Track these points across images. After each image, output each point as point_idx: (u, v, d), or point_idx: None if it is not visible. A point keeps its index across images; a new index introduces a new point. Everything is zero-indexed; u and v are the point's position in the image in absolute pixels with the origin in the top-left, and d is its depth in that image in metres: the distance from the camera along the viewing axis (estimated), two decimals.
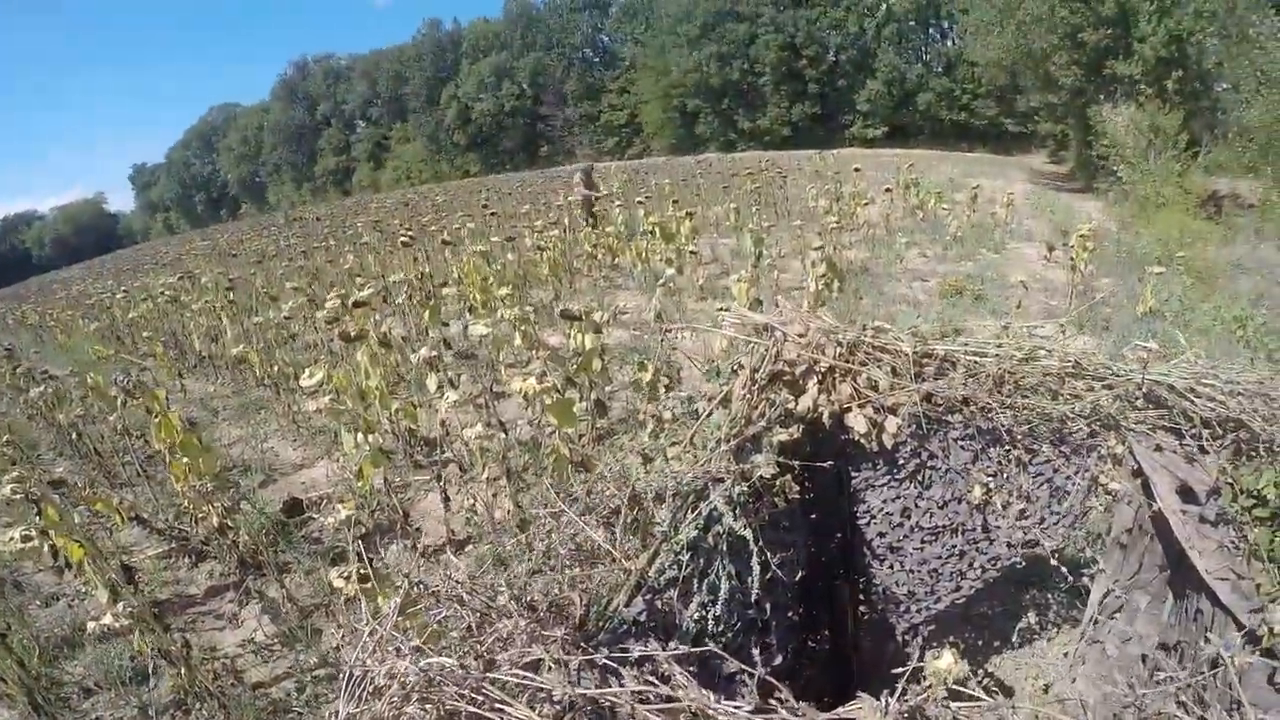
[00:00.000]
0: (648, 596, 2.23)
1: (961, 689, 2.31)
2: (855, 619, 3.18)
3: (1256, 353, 8.69)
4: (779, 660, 2.50)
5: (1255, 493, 2.52)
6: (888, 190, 14.69)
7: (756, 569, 2.22)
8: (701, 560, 2.28)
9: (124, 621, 3.44)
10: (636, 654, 1.88)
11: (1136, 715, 2.58)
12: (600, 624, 2.20)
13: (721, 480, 2.24)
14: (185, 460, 4.95)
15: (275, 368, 8.20)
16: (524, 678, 1.71)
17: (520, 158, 65.94)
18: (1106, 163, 21.31)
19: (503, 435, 5.69)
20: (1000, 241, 13.31)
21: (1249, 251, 14.94)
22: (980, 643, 3.86)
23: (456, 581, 2.19)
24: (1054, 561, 3.26)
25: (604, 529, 2.42)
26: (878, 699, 1.82)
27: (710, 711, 1.67)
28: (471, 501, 5.26)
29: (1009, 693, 3.75)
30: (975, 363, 2.52)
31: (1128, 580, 3.16)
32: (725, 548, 2.28)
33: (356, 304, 6.10)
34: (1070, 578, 3.75)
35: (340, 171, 77.61)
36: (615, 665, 1.91)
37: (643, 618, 2.20)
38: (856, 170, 16.82)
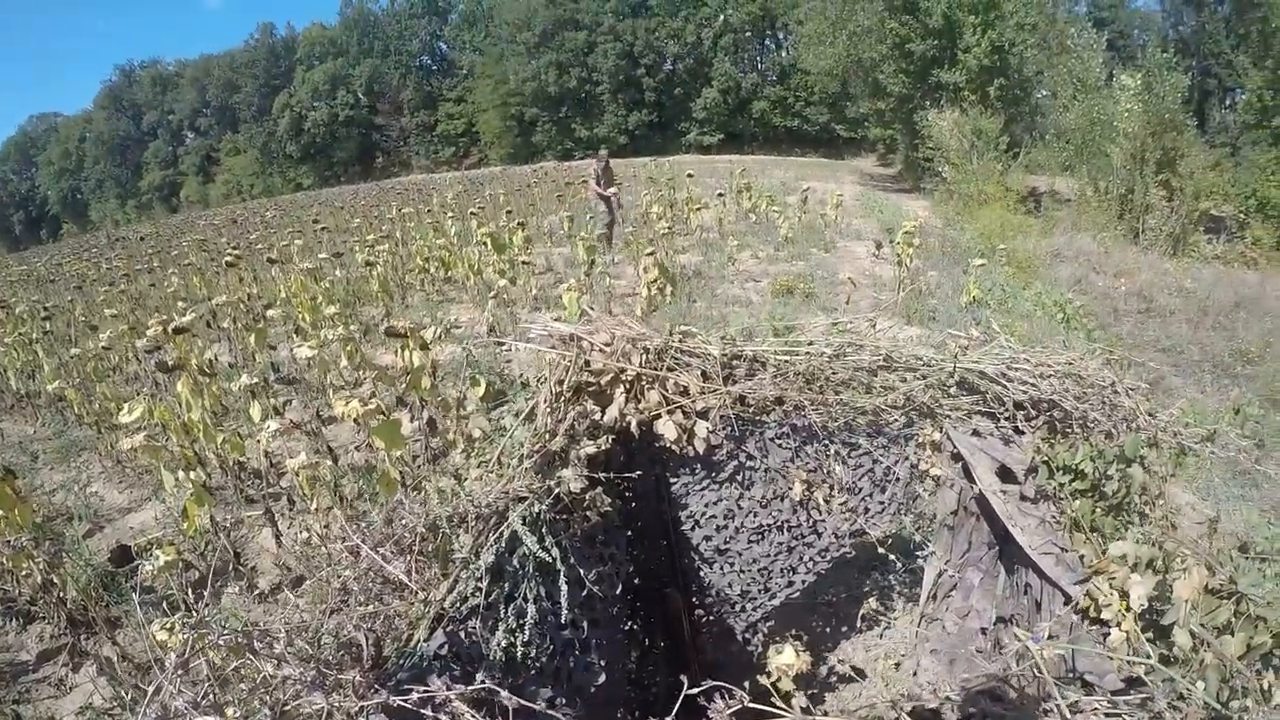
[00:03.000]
0: (449, 628, 2.07)
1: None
2: (692, 623, 3.13)
3: (1077, 333, 9.45)
4: (602, 679, 2.39)
5: (1072, 468, 2.61)
6: (720, 195, 15.02)
7: (564, 589, 2.10)
8: (507, 584, 2.14)
9: None
10: (420, 694, 1.72)
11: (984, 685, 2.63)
12: (401, 662, 2.03)
13: (523, 499, 2.11)
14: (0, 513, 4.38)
15: (96, 404, 7.44)
16: None
17: (355, 169, 63.90)
18: (932, 164, 22.83)
19: (330, 462, 5.35)
20: (830, 241, 13.80)
21: (1067, 242, 16.30)
22: (829, 630, 3.92)
23: (248, 629, 1.98)
24: (881, 550, 3.34)
25: (406, 559, 2.25)
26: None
27: None
28: (306, 535, 4.91)
29: (861, 675, 3.82)
30: (785, 362, 2.51)
31: (959, 559, 3.27)
32: (532, 569, 2.15)
33: (177, 330, 5.62)
34: (899, 562, 3.88)
35: (167, 186, 72.72)
36: (412, 708, 1.75)
37: (444, 651, 2.04)
38: (690, 176, 17.13)
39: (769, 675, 2.56)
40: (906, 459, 2.85)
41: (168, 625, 3.17)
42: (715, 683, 1.51)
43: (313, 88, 64.02)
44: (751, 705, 1.46)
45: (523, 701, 1.70)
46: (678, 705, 1.58)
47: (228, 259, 11.31)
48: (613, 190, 12.96)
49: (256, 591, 4.81)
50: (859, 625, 3.91)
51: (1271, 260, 18.90)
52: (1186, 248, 18.65)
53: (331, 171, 64.35)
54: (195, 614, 2.74)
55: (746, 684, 3.13)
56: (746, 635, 3.15)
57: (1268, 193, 20.86)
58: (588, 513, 2.31)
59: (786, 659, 2.56)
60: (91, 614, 4.47)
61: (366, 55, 64.69)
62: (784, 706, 2.47)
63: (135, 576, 5.07)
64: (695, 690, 1.55)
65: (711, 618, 3.11)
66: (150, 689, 1.68)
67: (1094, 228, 18.22)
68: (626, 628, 3.11)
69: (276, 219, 26.83)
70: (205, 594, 4.79)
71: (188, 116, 72.70)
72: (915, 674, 3.42)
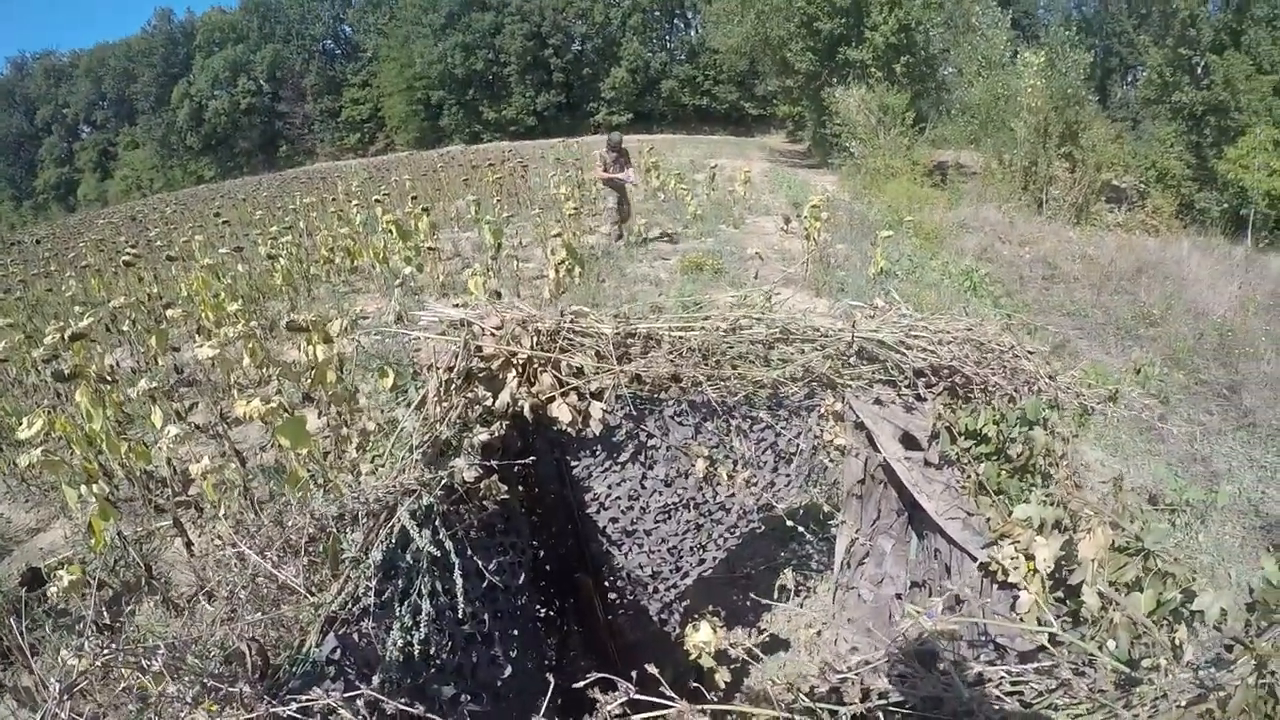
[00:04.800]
0: (341, 631, 1.99)
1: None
2: (605, 606, 3.10)
3: (984, 300, 9.72)
4: (508, 672, 2.33)
5: (975, 432, 2.64)
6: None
7: (459, 582, 2.04)
8: (401, 581, 2.07)
9: None
10: (302, 702, 1.64)
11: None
12: (293, 670, 1.94)
13: (412, 492, 2.03)
14: None
15: None
16: None
17: (258, 159, 61.58)
18: (840, 140, 23.12)
19: (236, 464, 5.14)
20: (739, 218, 13.86)
21: (973, 213, 16.74)
22: (749, 603, 3.94)
23: (128, 646, 1.89)
24: (790, 523, 3.35)
25: (296, 561, 2.16)
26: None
27: None
28: (217, 542, 4.72)
29: (784, 645, 3.86)
30: (680, 338, 2.47)
31: (870, 528, 3.30)
32: (426, 564, 2.07)
33: (74, 337, 5.31)
34: (811, 533, 3.91)
35: (63, 185, 68.85)
36: (300, 717, 1.67)
37: (336, 655, 1.95)
38: (596, 155, 17.04)
39: (689, 654, 2.55)
40: (810, 430, 2.85)
41: (75, 648, 3.01)
42: (600, 675, 1.47)
43: (213, 75, 61.51)
44: (637, 697, 1.42)
45: (403, 707, 1.63)
46: (546, 700, 1.54)
47: (125, 258, 10.78)
48: (629, 173, 11.71)
49: (171, 604, 4.60)
50: (778, 596, 3.94)
51: (1171, 227, 19.80)
52: (1089, 217, 19.40)
53: (234, 162, 61.95)
54: (106, 634, 2.59)
55: (669, 663, 3.13)
56: (663, 615, 3.14)
57: (1167, 164, 21.84)
58: (484, 502, 2.25)
59: (704, 636, 2.55)
60: (6, 643, 4.21)
61: (268, 40, 62.41)
62: (700, 686, 2.46)
63: (47, 600, 4.83)
64: (579, 685, 1.51)
65: (626, 600, 3.08)
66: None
67: (999, 199, 18.77)
68: (542, 615, 3.06)
69: (177, 214, 25.70)
70: (108, 612, 4.62)
71: (83, 110, 68.98)
72: (836, 642, 3.46)
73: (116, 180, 65.63)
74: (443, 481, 2.11)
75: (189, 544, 4.73)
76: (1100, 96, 30.61)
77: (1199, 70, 22.04)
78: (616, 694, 1.45)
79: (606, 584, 3.03)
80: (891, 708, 1.61)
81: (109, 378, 5.81)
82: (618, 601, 3.09)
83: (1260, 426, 7.89)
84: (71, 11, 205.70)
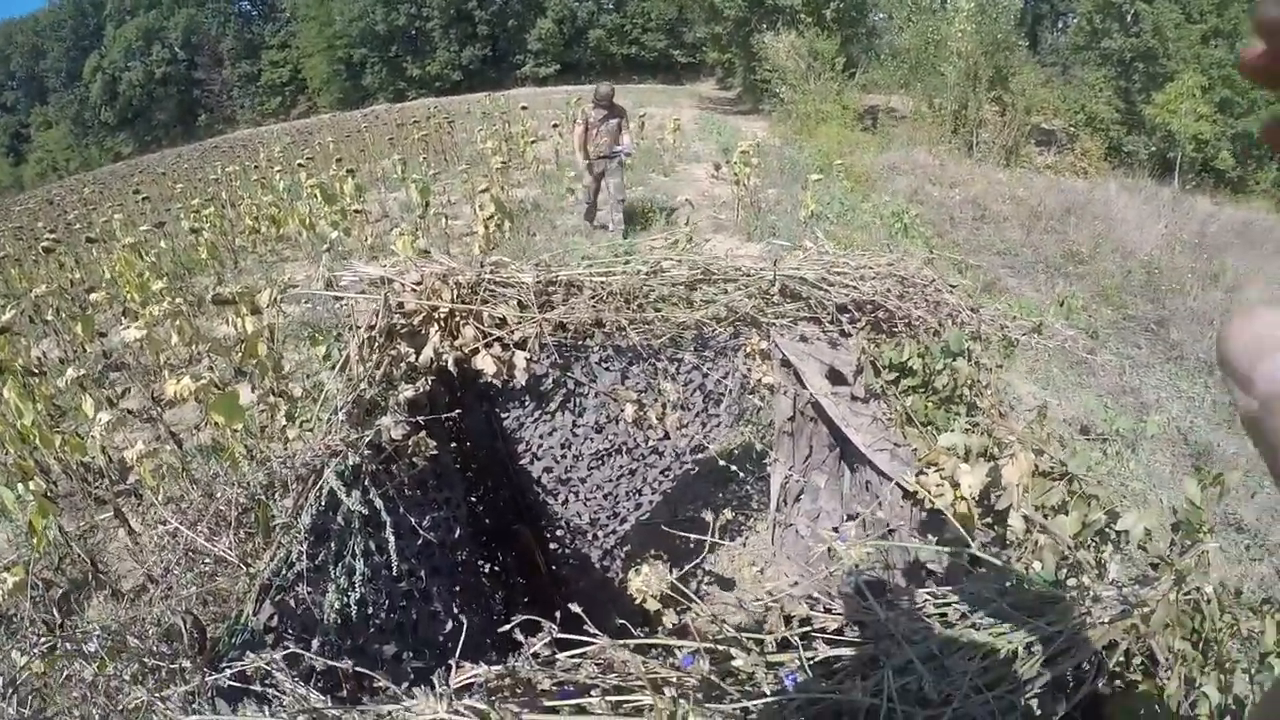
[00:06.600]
0: (276, 598, 1.99)
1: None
2: (548, 557, 3.13)
3: (914, 240, 9.88)
4: (449, 626, 2.36)
5: (900, 365, 2.69)
6: (556, 126, 14.81)
7: (392, 540, 2.04)
8: (334, 544, 2.07)
9: None
10: (236, 668, 1.64)
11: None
12: (232, 640, 1.94)
13: (338, 453, 2.02)
14: None
15: None
16: None
17: (177, 131, 58.77)
18: (770, 86, 23.12)
19: (173, 446, 5.04)
20: (669, 165, 13.87)
21: (903, 156, 16.92)
22: (692, 545, 4.02)
23: (61, 634, 1.89)
24: (723, 463, 3.42)
25: (227, 534, 2.15)
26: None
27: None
28: (156, 526, 4.64)
29: (729, 584, 3.95)
30: (601, 284, 2.48)
31: (803, 464, 3.37)
32: (358, 525, 2.07)
33: None
34: (746, 472, 3.99)
35: None
36: (242, 685, 1.68)
37: (274, 623, 1.95)
38: (524, 109, 16.79)
39: (634, 599, 2.60)
40: (737, 370, 2.90)
41: (18, 646, 2.96)
42: (526, 616, 1.50)
43: (125, 45, 58.64)
44: (561, 635, 1.46)
45: (330, 662, 1.64)
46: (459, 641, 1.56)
47: (44, 244, 10.39)
48: (626, 142, 8.68)
49: (123, 596, 4.52)
50: (719, 537, 4.01)
51: (1100, 170, 20.33)
52: (1019, 159, 19.82)
53: (152, 136, 59.28)
54: (55, 633, 2.56)
55: (615, 609, 3.18)
56: (604, 562, 3.18)
57: (1096, 108, 22.29)
58: (414, 459, 2.25)
59: (645, 580, 2.60)
60: None
61: (181, 4, 59.45)
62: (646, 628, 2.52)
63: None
64: (505, 627, 1.54)
65: (567, 549, 3.12)
66: None
67: (929, 142, 19.05)
68: (486, 570, 3.08)
69: (96, 194, 24.70)
70: (58, 610, 4.53)
71: None
72: (778, 579, 3.54)
73: (31, 164, 62.60)
74: (369, 440, 2.10)
75: (131, 532, 4.65)
76: (1030, 42, 30.98)
77: (1129, 18, 22.42)
78: (541, 634, 1.48)
79: (547, 534, 3.06)
80: (813, 633, 1.66)
81: (36, 370, 5.63)
82: (559, 551, 3.12)
83: (1188, 359, 8.22)
84: None
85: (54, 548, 4.74)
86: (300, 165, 12.29)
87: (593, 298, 2.42)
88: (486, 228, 7.01)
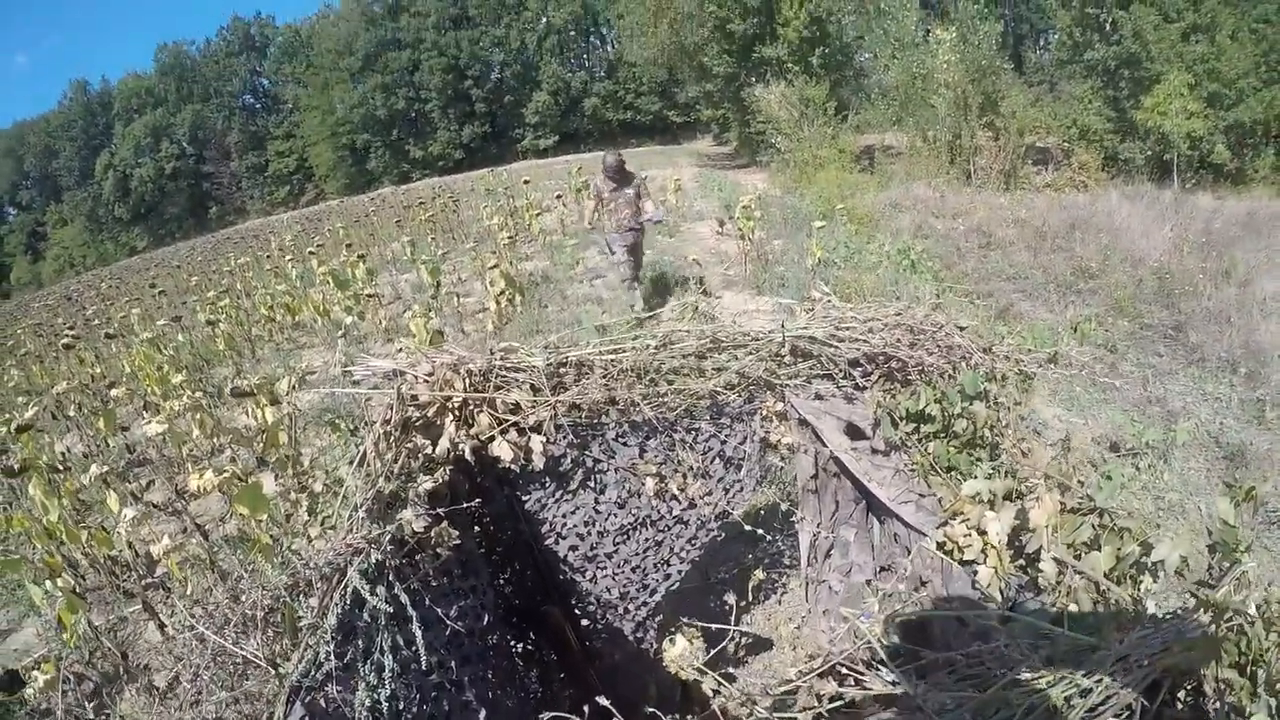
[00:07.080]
0: (306, 699, 1.98)
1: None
2: (579, 633, 3.10)
3: (924, 276, 9.88)
4: (483, 715, 2.33)
5: (918, 414, 2.65)
6: (559, 196, 15.02)
7: (419, 633, 2.04)
8: (361, 641, 2.07)
9: None
10: None
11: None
12: None
13: (360, 551, 2.03)
14: None
15: None
16: None
17: (189, 223, 60.96)
18: (765, 137, 23.49)
19: (199, 539, 5.06)
20: (674, 225, 13.94)
21: (903, 192, 17.01)
22: (728, 607, 3.96)
23: None
24: (748, 527, 3.39)
25: (256, 635, 2.15)
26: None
27: None
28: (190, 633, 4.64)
29: (766, 644, 3.89)
30: (611, 361, 2.50)
31: (830, 520, 3.33)
32: (384, 621, 2.07)
33: (20, 429, 5.24)
34: (772, 534, 3.95)
35: None
36: None
37: None
38: (526, 182, 17.04)
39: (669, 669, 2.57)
40: (754, 434, 2.90)
41: None
42: (556, 715, 1.50)
43: (134, 143, 60.68)
44: None
45: None
46: None
47: (65, 341, 10.60)
48: (650, 209, 8.08)
49: (155, 691, 4.51)
50: (754, 597, 3.96)
51: (1099, 181, 20.36)
52: (1017, 181, 19.88)
53: (165, 229, 61.06)
54: None
55: (652, 680, 3.14)
56: (638, 634, 3.15)
57: (1088, 121, 22.36)
58: (438, 549, 2.25)
59: (679, 650, 2.57)
60: None
61: (187, 101, 61.71)
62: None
63: (26, 704, 4.72)
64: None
65: (599, 624, 3.09)
66: None
67: (927, 175, 19.15)
68: (519, 649, 3.06)
69: (112, 289, 25.22)
70: (89, 704, 4.52)
71: (7, 191, 67.55)
72: (814, 636, 3.49)
73: (49, 260, 64.29)
74: (390, 536, 2.11)
75: (161, 626, 4.65)
76: (1015, 64, 31.36)
77: (1108, 26, 22.64)
78: None
79: (577, 611, 3.04)
80: (844, 710, 1.63)
81: (60, 466, 5.70)
82: (591, 626, 3.10)
83: (1209, 360, 8.10)
84: None
85: (84, 642, 4.76)
86: (311, 253, 12.50)
87: (604, 376, 2.44)
88: (498, 303, 7.09)
